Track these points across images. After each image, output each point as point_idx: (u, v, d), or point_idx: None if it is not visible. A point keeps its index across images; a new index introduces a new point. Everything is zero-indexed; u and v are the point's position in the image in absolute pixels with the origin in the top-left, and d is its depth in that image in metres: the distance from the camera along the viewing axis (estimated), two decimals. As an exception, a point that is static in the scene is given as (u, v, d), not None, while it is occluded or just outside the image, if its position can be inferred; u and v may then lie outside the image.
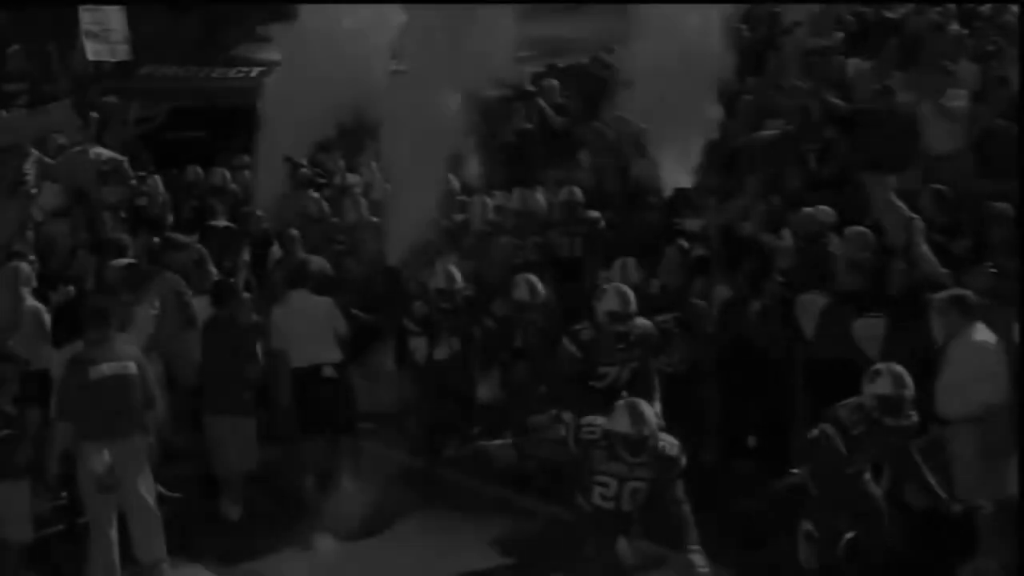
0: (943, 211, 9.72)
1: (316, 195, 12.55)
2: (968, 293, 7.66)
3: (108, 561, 7.84)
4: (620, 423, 6.47)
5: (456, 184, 12.56)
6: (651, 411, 6.50)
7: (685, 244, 10.38)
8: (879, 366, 6.92)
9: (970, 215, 9.43)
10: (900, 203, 10.18)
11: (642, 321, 8.48)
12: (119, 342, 8.05)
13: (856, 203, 10.52)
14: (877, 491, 7.30)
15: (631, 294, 8.35)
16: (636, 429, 6.42)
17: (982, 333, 7.42)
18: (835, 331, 8.66)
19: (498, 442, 7.02)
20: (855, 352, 8.49)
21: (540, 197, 11.97)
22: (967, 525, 7.38)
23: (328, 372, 9.29)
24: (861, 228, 9.81)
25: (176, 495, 9.09)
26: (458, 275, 9.59)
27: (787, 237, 9.91)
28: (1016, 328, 7.67)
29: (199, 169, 13.92)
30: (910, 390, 6.78)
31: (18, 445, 7.78)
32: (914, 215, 9.81)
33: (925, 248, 8.92)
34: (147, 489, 8.03)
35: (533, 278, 9.61)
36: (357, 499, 9.15)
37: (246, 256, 10.74)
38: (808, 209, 10.35)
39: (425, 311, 9.53)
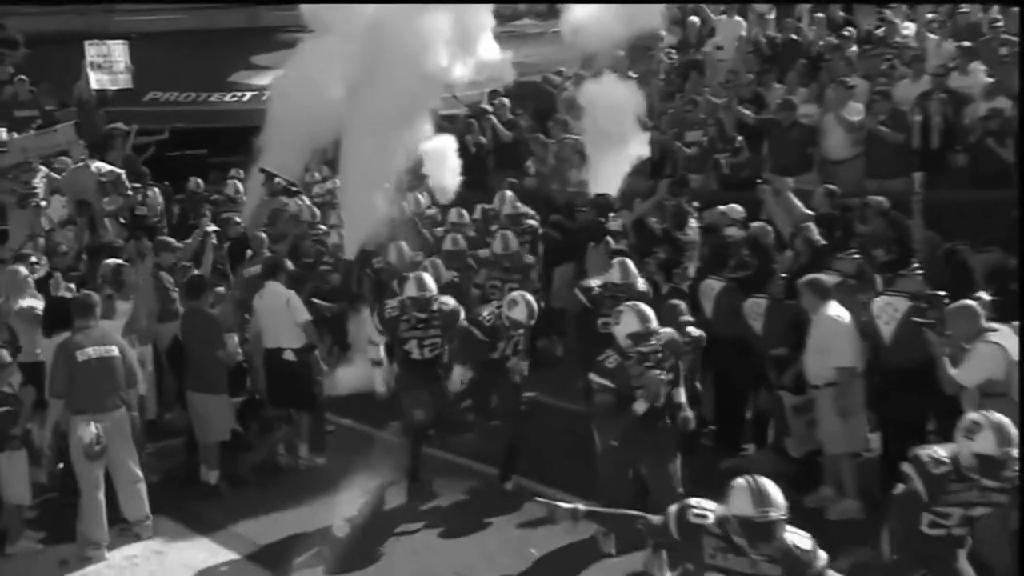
0: (833, 208, 10.01)
1: (306, 200, 12.78)
2: (821, 277, 7.96)
3: (97, 519, 7.99)
4: (741, 505, 4.73)
5: (424, 201, 12.49)
6: (778, 490, 4.77)
7: (611, 240, 10.71)
8: (978, 418, 5.48)
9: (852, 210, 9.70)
10: (797, 201, 10.50)
11: (666, 330, 7.30)
12: (103, 329, 8.21)
13: (761, 201, 10.82)
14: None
15: (649, 311, 7.08)
16: (761, 512, 4.67)
17: (834, 309, 7.72)
18: (728, 311, 8.94)
19: (566, 505, 5.35)
20: (745, 328, 8.81)
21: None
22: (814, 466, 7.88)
23: (288, 356, 9.35)
24: (760, 222, 10.16)
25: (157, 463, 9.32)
26: (431, 284, 8.79)
27: (691, 232, 10.20)
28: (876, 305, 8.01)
29: (200, 181, 14.16)
30: (1015, 446, 5.37)
31: (15, 420, 7.96)
32: (809, 212, 10.16)
33: (820, 241, 9.22)
34: (131, 456, 8.19)
35: (531, 298, 8.75)
36: (321, 469, 9.38)
37: (213, 239, 10.80)
38: (721, 207, 10.70)
39: (395, 314, 8.74)
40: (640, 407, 6.94)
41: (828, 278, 7.93)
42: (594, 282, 9.32)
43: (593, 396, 7.28)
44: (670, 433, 7.25)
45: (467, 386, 9.06)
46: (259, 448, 9.53)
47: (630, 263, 9.02)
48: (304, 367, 9.42)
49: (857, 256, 8.43)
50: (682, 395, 7.33)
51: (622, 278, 8.82)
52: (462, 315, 8.92)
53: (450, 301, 8.93)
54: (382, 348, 9.33)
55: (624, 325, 7.05)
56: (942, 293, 7.47)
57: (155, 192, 13.30)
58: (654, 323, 7.04)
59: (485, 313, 8.84)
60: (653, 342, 7.02)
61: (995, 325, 7.09)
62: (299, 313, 9.37)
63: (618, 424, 7.02)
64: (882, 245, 8.66)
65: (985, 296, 7.29)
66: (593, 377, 7.12)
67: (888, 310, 7.78)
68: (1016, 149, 10.13)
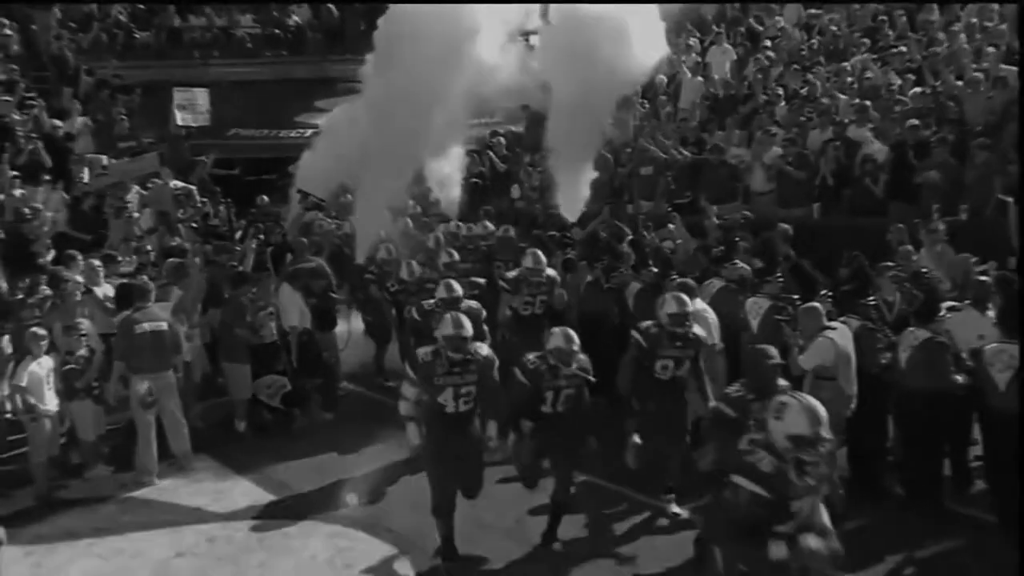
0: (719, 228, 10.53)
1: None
2: (689, 280, 8.35)
3: (150, 454, 8.56)
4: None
5: (454, 225, 12.22)
6: None
7: (569, 250, 11.11)
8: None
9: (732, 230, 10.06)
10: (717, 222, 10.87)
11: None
12: (157, 309, 8.76)
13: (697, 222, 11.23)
14: None
15: (821, 411, 4.79)
16: None
17: (699, 304, 8.09)
18: (644, 307, 9.26)
19: None
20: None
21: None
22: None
23: (291, 337, 9.81)
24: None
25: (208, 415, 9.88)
26: (468, 324, 6.69)
27: (626, 245, 10.56)
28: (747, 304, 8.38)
29: (265, 197, 14.61)
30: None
31: (79, 376, 8.51)
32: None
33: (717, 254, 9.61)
34: (176, 407, 8.73)
35: (571, 333, 6.88)
36: (332, 426, 9.73)
37: (253, 244, 11.05)
38: (672, 225, 11.12)
39: (429, 359, 6.66)
40: (779, 552, 4.73)
41: (691, 281, 8.32)
42: (648, 322, 7.51)
43: (728, 502, 4.89)
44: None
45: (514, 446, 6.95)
46: (303, 415, 9.92)
47: (684, 296, 7.30)
48: (308, 344, 9.88)
49: (740, 266, 8.79)
50: (825, 515, 4.98)
51: (678, 307, 7.21)
52: (497, 364, 6.88)
53: (484, 348, 6.86)
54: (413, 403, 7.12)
55: (789, 423, 4.74)
56: (795, 296, 7.84)
57: (225, 207, 13.87)
58: (825, 428, 4.72)
59: (531, 356, 6.83)
60: (820, 450, 4.70)
61: (834, 324, 7.44)
62: (288, 317, 9.81)
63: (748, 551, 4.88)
64: (754, 256, 9.02)
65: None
66: (739, 481, 4.81)
67: (755, 308, 8.17)
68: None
